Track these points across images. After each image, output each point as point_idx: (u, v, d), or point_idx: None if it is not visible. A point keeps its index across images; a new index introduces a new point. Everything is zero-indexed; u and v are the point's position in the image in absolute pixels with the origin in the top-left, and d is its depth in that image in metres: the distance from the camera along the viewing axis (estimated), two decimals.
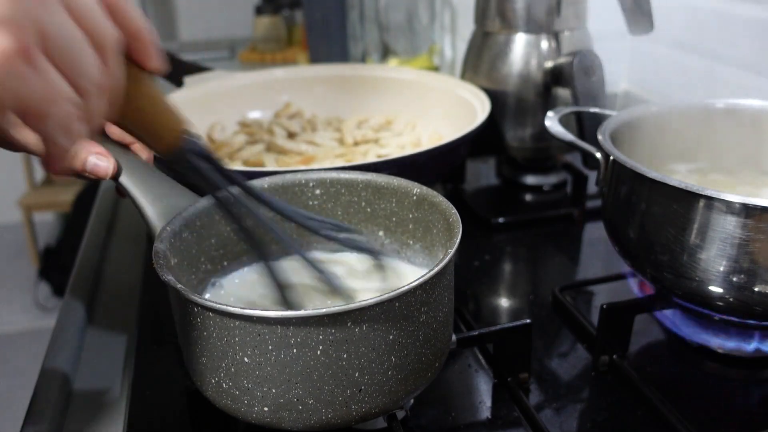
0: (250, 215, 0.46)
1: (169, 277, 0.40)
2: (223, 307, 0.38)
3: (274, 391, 0.39)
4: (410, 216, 0.52)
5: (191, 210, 0.48)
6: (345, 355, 0.38)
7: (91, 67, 0.32)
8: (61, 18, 0.30)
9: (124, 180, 0.47)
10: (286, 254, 0.52)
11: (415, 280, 0.39)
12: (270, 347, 0.38)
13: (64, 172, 0.35)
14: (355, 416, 0.40)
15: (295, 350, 0.38)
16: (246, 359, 0.39)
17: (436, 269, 0.40)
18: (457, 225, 0.46)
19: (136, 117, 0.38)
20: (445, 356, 0.45)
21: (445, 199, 0.49)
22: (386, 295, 0.38)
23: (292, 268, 0.50)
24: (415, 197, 0.52)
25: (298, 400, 0.39)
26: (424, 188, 0.51)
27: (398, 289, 0.38)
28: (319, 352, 0.38)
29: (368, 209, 0.54)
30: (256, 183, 0.52)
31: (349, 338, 0.38)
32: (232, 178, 0.45)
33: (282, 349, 0.38)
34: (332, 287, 0.49)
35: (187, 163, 0.41)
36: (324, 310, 0.37)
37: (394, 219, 0.53)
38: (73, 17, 0.31)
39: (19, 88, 0.29)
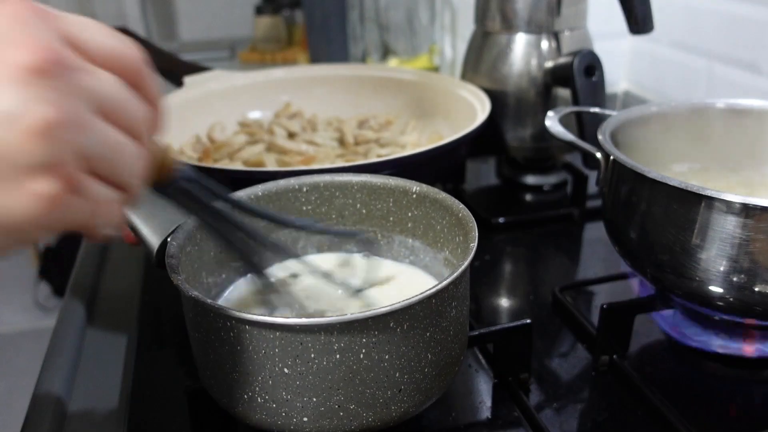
0: (239, 228, 0.44)
1: (196, 293, 0.38)
2: (263, 319, 0.37)
3: (315, 399, 0.38)
4: (409, 214, 0.52)
5: (190, 223, 0.46)
6: (387, 356, 0.38)
7: (133, 160, 0.31)
8: (97, 129, 0.29)
9: None
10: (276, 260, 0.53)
11: (449, 276, 0.39)
12: (312, 355, 0.37)
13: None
14: (394, 417, 0.40)
15: (338, 356, 0.37)
16: (286, 370, 0.38)
17: (465, 264, 0.41)
18: (469, 219, 0.46)
19: None
20: (465, 349, 0.46)
21: (449, 195, 0.49)
22: (426, 293, 0.38)
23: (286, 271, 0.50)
24: (414, 195, 0.52)
25: (339, 406, 0.38)
26: (424, 186, 0.51)
27: (435, 286, 0.38)
28: (362, 356, 0.37)
29: (363, 210, 0.54)
30: (243, 194, 0.51)
31: (390, 339, 0.38)
32: (220, 194, 0.43)
33: (325, 356, 0.37)
34: (342, 287, 0.49)
35: (177, 189, 0.40)
36: (368, 312, 0.36)
37: (391, 219, 0.53)
38: (108, 119, 0.29)
39: (66, 216, 0.28)
